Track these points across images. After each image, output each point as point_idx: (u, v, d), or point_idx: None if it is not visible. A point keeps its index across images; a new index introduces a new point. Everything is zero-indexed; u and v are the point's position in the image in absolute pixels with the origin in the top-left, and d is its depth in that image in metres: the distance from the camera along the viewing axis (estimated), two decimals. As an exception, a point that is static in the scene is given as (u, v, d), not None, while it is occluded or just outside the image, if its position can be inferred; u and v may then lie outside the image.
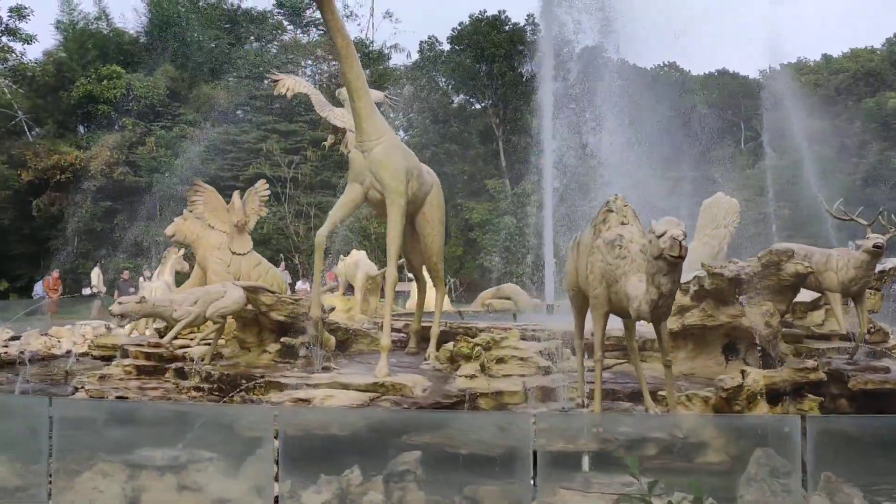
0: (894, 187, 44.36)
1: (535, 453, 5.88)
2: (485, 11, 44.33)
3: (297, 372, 9.59)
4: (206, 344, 11.27)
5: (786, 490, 5.15)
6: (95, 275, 28.10)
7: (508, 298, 16.11)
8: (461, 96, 45.73)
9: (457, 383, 9.08)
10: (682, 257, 6.39)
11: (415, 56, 48.02)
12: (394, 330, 12.24)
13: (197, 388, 9.87)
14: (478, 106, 45.90)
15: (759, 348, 9.25)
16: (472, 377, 9.18)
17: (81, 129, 42.66)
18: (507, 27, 44.54)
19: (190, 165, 38.72)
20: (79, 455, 5.14)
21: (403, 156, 10.14)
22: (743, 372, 7.55)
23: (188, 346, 11.61)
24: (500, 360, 9.54)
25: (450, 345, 9.82)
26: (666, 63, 51.14)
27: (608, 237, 7.42)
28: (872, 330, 10.42)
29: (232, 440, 5.53)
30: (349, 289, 16.46)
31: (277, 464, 5.37)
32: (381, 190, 9.81)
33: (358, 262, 15.69)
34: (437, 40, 45.33)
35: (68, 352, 14.90)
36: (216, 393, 9.72)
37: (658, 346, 7.69)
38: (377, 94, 11.07)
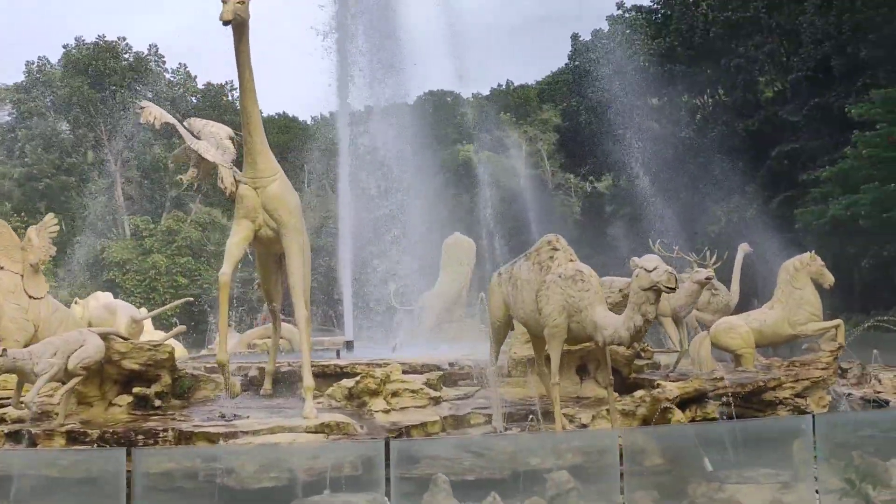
0: (467, 227, 50.78)
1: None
2: (104, 36, 41.52)
3: (209, 421, 8.85)
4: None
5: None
6: None
7: (282, 338, 15.76)
8: (74, 127, 41.93)
9: (378, 418, 9.22)
10: (675, 288, 7.67)
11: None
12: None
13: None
14: (91, 135, 42.46)
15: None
16: (387, 411, 9.39)
17: None
18: (127, 55, 42.22)
19: None
20: None
21: (293, 192, 9.98)
22: (659, 385, 9.03)
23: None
24: (394, 394, 9.86)
25: (347, 382, 9.84)
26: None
27: (565, 272, 8.39)
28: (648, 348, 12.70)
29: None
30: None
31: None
32: (276, 227, 9.55)
33: (115, 306, 14.20)
34: (48, 62, 41.18)
35: None
36: (100, 454, 8.53)
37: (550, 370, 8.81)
38: (227, 130, 10.59)
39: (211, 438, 8.26)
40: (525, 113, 61.77)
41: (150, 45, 42.62)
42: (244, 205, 9.53)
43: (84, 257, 36.27)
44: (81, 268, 35.42)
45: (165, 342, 10.14)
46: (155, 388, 9.90)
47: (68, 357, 8.91)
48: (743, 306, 14.89)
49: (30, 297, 10.70)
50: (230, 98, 44.35)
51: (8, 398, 9.80)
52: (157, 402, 9.82)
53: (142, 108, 9.83)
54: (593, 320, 8.19)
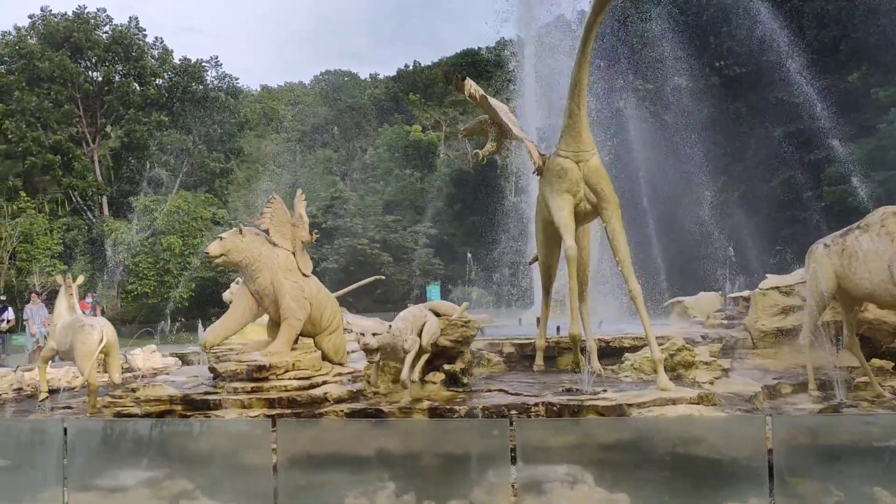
0: (414, 208, 50.90)
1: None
2: (84, 7, 39.32)
3: (559, 395, 8.72)
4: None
5: None
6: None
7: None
8: (56, 103, 39.67)
9: (708, 389, 9.27)
10: None
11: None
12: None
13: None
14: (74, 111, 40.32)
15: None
16: (712, 382, 9.46)
17: None
18: (107, 27, 40.18)
19: None
20: None
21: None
22: None
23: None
24: (691, 366, 9.94)
25: (647, 353, 9.77)
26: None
27: (926, 242, 8.64)
28: None
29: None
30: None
31: None
32: (595, 202, 9.42)
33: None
34: (24, 32, 38.67)
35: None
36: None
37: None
38: (505, 106, 10.35)
39: (599, 412, 8.18)
40: (433, 93, 60.75)
41: (130, 18, 40.64)
42: (568, 178, 9.33)
43: (81, 239, 34.62)
44: (83, 250, 33.79)
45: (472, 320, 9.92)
46: (458, 364, 9.71)
47: (419, 334, 8.68)
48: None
49: (302, 274, 10.25)
50: (215, 73, 42.98)
51: (306, 378, 9.45)
52: (465, 379, 9.61)
53: (463, 81, 9.47)
54: (965, 287, 8.47)
